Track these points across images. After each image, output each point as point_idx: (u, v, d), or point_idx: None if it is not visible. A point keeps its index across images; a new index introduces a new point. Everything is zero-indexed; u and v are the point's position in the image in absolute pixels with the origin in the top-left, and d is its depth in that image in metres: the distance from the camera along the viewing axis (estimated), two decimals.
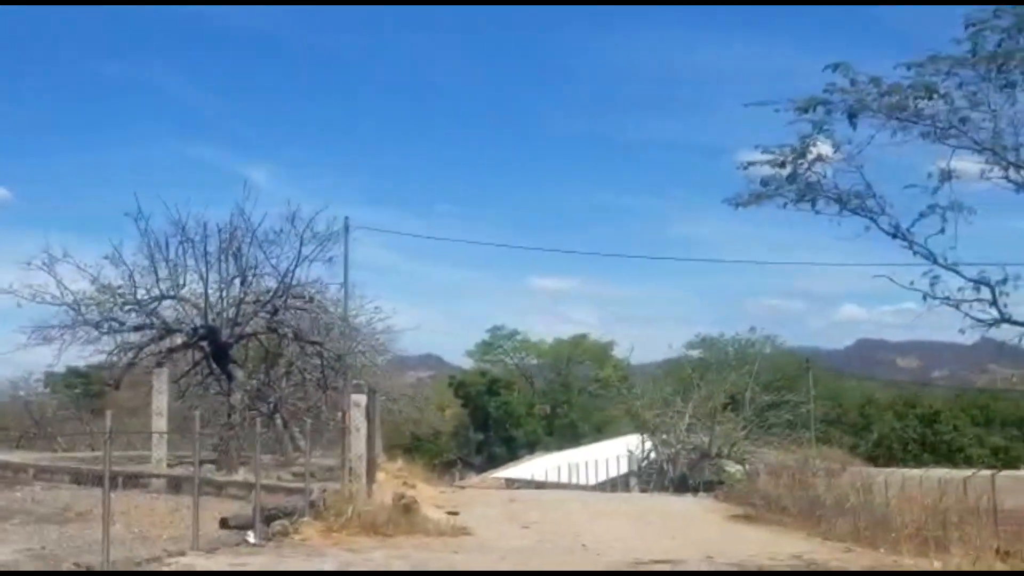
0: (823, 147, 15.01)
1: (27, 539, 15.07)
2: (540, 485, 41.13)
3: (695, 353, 69.02)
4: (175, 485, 22.59)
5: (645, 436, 43.30)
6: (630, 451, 43.48)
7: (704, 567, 14.57)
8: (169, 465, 24.81)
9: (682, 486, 37.64)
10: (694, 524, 21.57)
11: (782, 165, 15.02)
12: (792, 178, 15.11)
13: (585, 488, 40.77)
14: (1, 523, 16.36)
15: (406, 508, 18.80)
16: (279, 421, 30.62)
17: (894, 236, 14.85)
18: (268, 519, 17.12)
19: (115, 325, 26.74)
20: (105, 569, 12.03)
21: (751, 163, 15.37)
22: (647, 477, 41.66)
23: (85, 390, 51.77)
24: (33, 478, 24.00)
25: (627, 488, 41.00)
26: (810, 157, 14.98)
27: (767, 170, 15.14)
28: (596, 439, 59.35)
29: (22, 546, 14.31)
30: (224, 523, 17.04)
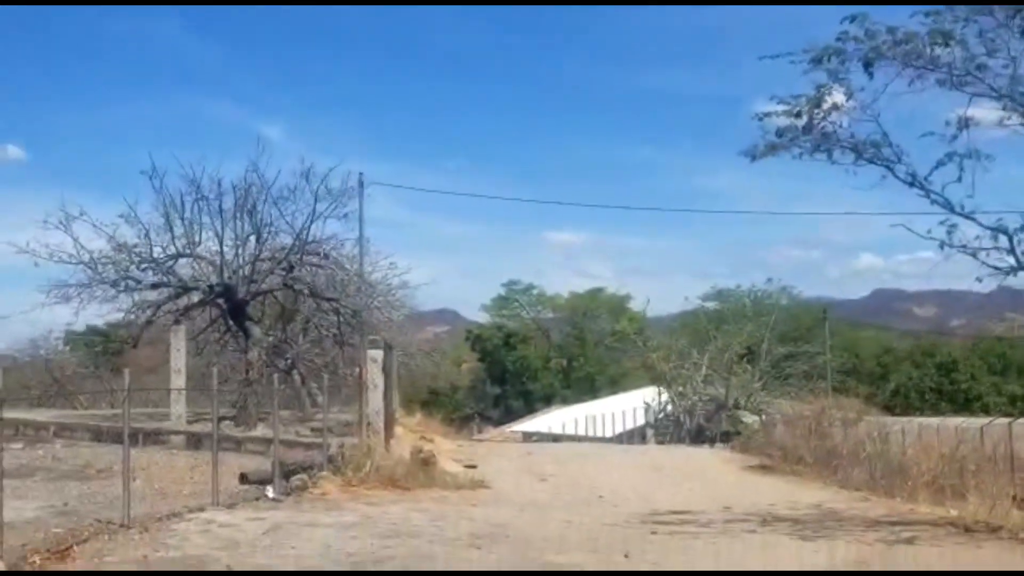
0: (838, 97, 14.83)
1: (49, 496, 15.21)
2: (557, 438, 41.33)
3: (711, 305, 68.92)
4: (194, 441, 22.78)
5: (661, 388, 43.36)
6: (646, 403, 43.56)
7: (722, 517, 14.62)
8: (188, 422, 24.98)
9: (699, 438, 37.75)
10: (711, 475, 21.65)
11: (797, 115, 14.84)
12: (808, 128, 14.93)
13: (602, 441, 40.93)
14: (23, 480, 16.50)
15: (424, 462, 18.93)
16: (296, 377, 30.73)
17: (911, 185, 14.70)
18: (287, 474, 17.27)
19: (132, 283, 26.78)
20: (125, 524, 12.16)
21: (766, 114, 15.19)
22: (664, 429, 41.76)
23: (104, 348, 52.05)
24: (54, 435, 24.22)
25: (644, 440, 41.09)
26: (825, 107, 14.79)
27: (783, 121, 14.97)
28: (612, 392, 59.47)
29: (44, 503, 14.45)
30: (244, 478, 17.19)
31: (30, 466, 18.97)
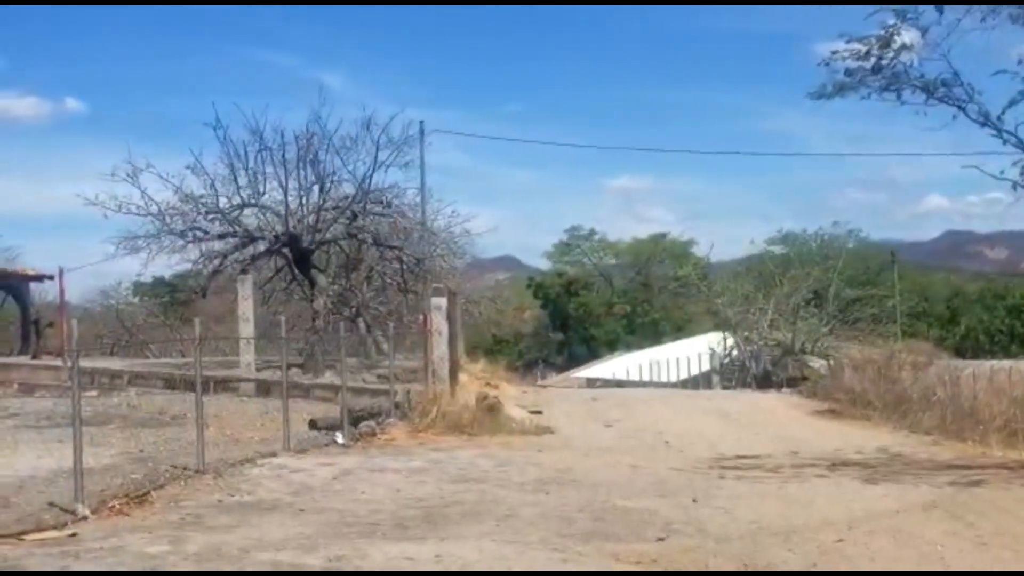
0: (908, 35, 14.46)
1: (125, 443, 15.55)
2: (621, 384, 41.28)
3: (777, 249, 68.21)
4: (264, 389, 23.14)
5: (727, 333, 43.09)
6: (712, 349, 43.31)
7: (790, 461, 14.53)
8: (257, 369, 25.35)
9: (765, 383, 37.48)
10: (778, 420, 21.50)
11: (866, 55, 14.50)
12: (876, 68, 14.59)
13: (666, 386, 40.85)
14: (100, 427, 16.88)
15: (489, 408, 19.02)
16: (362, 325, 31.02)
17: (983, 125, 14.32)
18: (355, 420, 17.50)
19: (199, 234, 27.15)
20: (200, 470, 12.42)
21: (834, 53, 14.86)
22: (729, 374, 41.53)
23: (172, 298, 53.05)
24: (128, 384, 24.70)
25: (709, 386, 40.91)
26: (895, 46, 14.43)
27: (851, 61, 14.65)
28: (677, 337, 59.19)
29: (121, 449, 14.77)
30: (313, 424, 17.46)
31: (106, 414, 19.39)
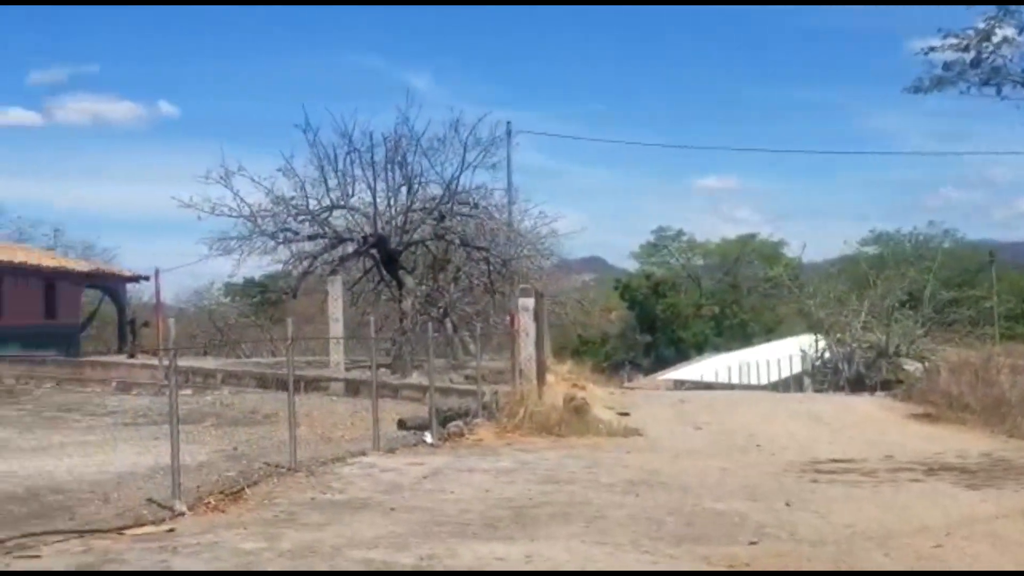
0: (1008, 30, 14.09)
1: (219, 440, 15.85)
2: (709, 386, 40.93)
3: (870, 249, 67.02)
4: (353, 388, 23.40)
5: (818, 335, 42.44)
6: (803, 351, 42.70)
7: (884, 465, 14.22)
8: (346, 369, 25.64)
9: (858, 386, 36.81)
10: (872, 423, 21.05)
11: (965, 49, 14.19)
12: (976, 62, 14.26)
13: (756, 389, 40.33)
14: (195, 425, 17.24)
15: (577, 409, 18.97)
16: (449, 325, 31.18)
17: None
18: (443, 420, 17.58)
19: (290, 235, 27.51)
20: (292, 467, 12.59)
21: (932, 48, 14.56)
22: (821, 377, 40.89)
23: (262, 298, 53.96)
24: (221, 383, 25.17)
25: (800, 388, 40.31)
26: (995, 40, 14.08)
27: (949, 53, 14.33)
28: (767, 339, 58.48)
29: (215, 447, 15.07)
30: (402, 424, 17.59)
31: (200, 412, 19.81)
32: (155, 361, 26.15)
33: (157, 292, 32.21)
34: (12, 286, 32.52)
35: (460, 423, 17.86)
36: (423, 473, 13.08)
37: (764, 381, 43.07)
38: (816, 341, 42.34)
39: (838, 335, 41.18)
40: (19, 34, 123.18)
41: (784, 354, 44.03)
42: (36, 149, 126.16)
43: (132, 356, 30.15)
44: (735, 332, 66.80)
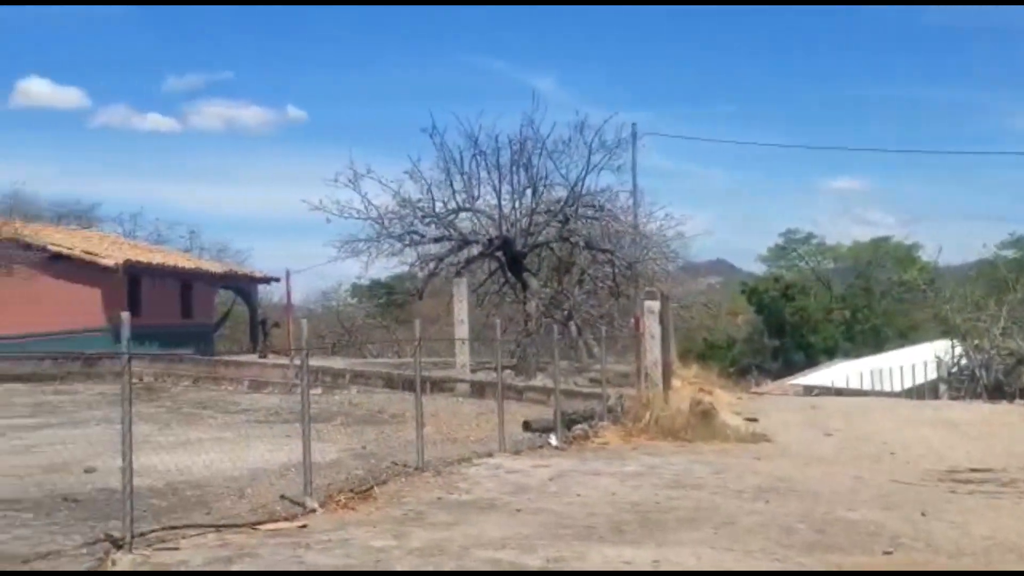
0: None
1: (348, 439, 16.11)
2: (840, 392, 39.90)
3: (1009, 253, 64.55)
4: (478, 389, 23.53)
5: (955, 341, 41.01)
6: (938, 357, 41.30)
7: None
8: (471, 371, 25.81)
9: (997, 393, 35.42)
10: (1011, 432, 20.25)
11: None
12: None
13: (889, 395, 39.18)
14: (325, 424, 17.55)
15: (704, 414, 18.74)
16: (573, 328, 31.14)
17: None
18: (568, 423, 17.56)
19: (416, 237, 27.89)
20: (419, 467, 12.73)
21: None
22: (957, 384, 39.45)
23: (388, 299, 54.84)
24: (349, 382, 25.61)
25: (935, 396, 38.97)
26: None
27: None
28: (900, 345, 56.74)
29: (344, 446, 15.32)
30: (527, 426, 17.61)
31: (329, 411, 20.18)
32: (285, 361, 26.75)
33: (288, 293, 33.01)
34: (151, 287, 33.76)
35: (585, 426, 17.81)
36: (549, 475, 13.08)
37: (897, 388, 41.75)
38: (952, 347, 40.91)
39: (975, 341, 39.68)
40: (158, 42, 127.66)
41: (918, 360, 42.64)
42: (172, 153, 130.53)
43: (263, 356, 30.93)
44: (867, 337, 65.06)
